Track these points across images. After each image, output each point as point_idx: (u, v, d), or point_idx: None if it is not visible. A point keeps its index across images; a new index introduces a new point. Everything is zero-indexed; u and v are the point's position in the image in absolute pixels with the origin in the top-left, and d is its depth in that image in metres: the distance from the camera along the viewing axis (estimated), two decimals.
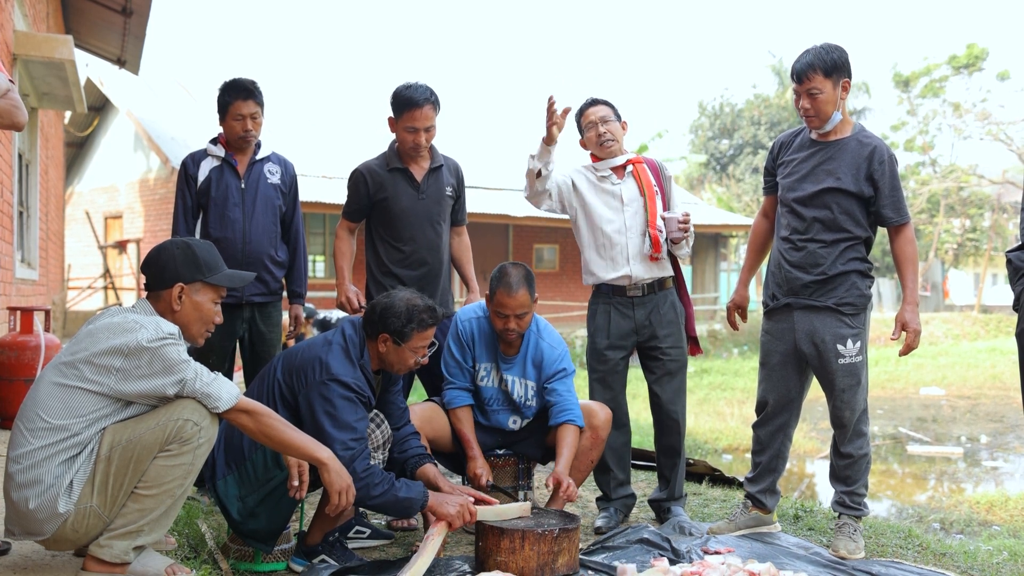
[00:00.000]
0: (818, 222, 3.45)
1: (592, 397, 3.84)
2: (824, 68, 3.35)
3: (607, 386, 3.87)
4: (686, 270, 24.33)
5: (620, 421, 3.86)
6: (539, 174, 3.73)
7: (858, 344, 3.44)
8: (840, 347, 3.42)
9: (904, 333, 3.43)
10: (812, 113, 3.42)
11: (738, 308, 3.85)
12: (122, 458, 2.41)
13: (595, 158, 3.92)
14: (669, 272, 3.90)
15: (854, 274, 3.44)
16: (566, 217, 4.00)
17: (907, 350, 3.46)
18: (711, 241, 23.82)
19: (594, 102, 3.91)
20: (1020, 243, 3.10)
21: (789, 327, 3.53)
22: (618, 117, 3.90)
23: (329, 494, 2.75)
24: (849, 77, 3.41)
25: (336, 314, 9.78)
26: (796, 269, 3.49)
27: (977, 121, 27.17)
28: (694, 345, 3.98)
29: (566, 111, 3.62)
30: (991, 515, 6.40)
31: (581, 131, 3.94)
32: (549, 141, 3.65)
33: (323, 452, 2.69)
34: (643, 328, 3.83)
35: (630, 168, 3.88)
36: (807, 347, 3.49)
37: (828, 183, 3.43)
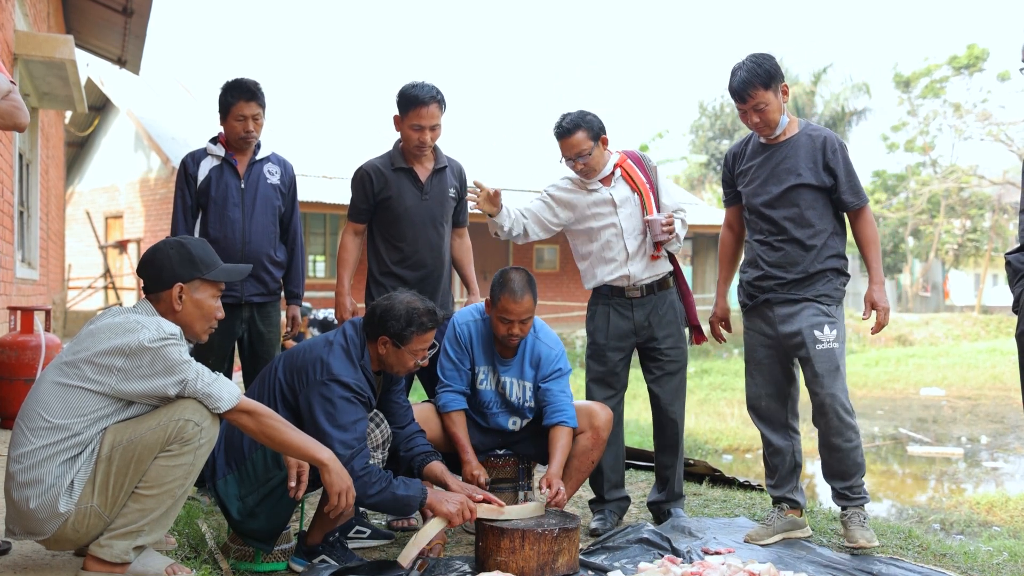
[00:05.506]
0: (789, 221, 3.55)
1: (590, 398, 3.83)
2: (762, 82, 3.45)
3: (607, 386, 3.87)
4: (686, 270, 24.31)
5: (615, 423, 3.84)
6: (502, 230, 3.83)
7: (835, 331, 3.53)
8: (817, 332, 3.51)
9: (875, 312, 3.56)
10: (763, 125, 3.53)
11: (721, 321, 3.93)
12: (123, 458, 2.41)
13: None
14: (668, 268, 3.91)
15: (831, 272, 3.57)
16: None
17: (878, 328, 3.59)
18: (711, 241, 23.80)
19: (568, 131, 3.70)
20: (1020, 244, 3.11)
21: (769, 320, 3.63)
22: (596, 138, 3.73)
23: (329, 495, 2.75)
24: (783, 80, 3.53)
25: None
26: (775, 268, 3.59)
27: (978, 122, 27.20)
28: (698, 334, 4.02)
29: (491, 195, 3.73)
30: (991, 516, 6.40)
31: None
32: (490, 217, 3.77)
33: (324, 453, 2.70)
34: (642, 329, 3.84)
35: (618, 172, 3.85)
36: (786, 336, 3.58)
37: (791, 181, 3.54)
